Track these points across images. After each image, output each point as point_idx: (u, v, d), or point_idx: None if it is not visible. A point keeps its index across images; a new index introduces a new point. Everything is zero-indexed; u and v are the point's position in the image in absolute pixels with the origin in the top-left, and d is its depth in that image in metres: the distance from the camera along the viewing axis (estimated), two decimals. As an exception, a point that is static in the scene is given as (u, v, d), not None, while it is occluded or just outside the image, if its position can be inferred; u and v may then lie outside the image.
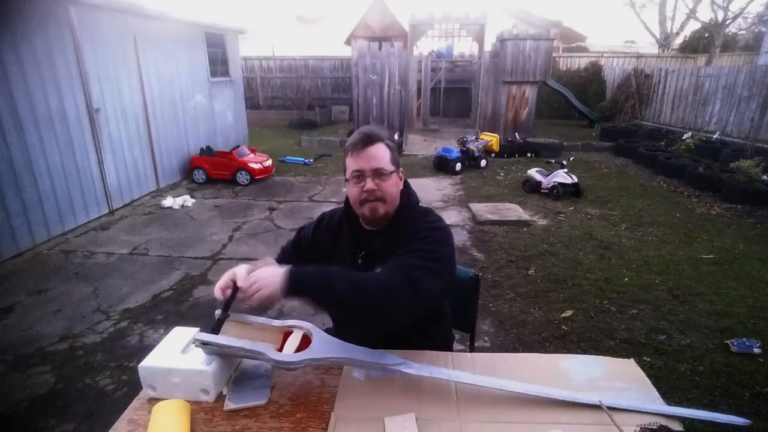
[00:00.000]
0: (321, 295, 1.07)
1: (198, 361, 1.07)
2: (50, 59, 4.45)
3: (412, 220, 1.28)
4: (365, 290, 1.07)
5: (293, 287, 1.04)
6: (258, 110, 13.36)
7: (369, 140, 1.23)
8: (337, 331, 1.49)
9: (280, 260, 1.38)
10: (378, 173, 1.21)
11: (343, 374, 1.18)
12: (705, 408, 2.22)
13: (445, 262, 1.21)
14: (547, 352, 2.68)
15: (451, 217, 5.25)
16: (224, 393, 1.11)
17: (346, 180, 1.27)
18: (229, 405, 1.07)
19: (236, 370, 1.18)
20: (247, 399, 1.09)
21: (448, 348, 1.51)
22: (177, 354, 1.12)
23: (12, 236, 4.11)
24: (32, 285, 3.61)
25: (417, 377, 1.12)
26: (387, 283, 1.08)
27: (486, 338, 2.88)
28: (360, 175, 1.22)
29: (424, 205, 1.38)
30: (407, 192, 1.32)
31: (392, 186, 1.24)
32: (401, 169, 1.30)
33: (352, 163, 1.23)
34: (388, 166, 1.23)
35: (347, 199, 1.33)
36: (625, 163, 8.21)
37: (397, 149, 1.31)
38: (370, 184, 1.20)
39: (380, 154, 1.23)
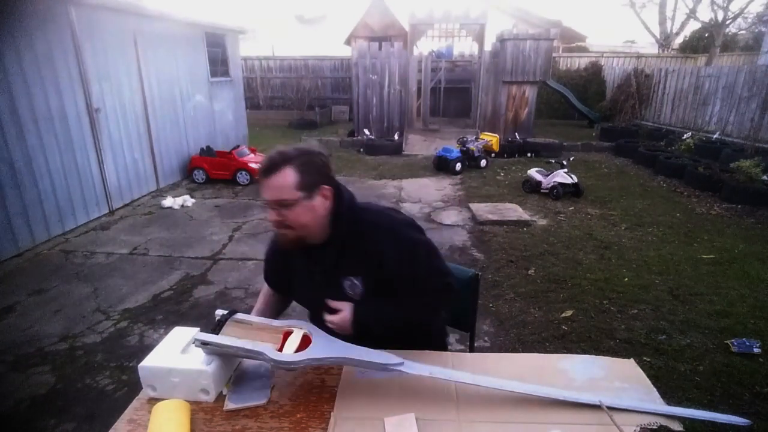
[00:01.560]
0: (381, 332, 1.27)
1: (198, 361, 1.08)
2: (50, 59, 4.45)
3: (354, 224, 1.23)
4: (414, 318, 1.34)
5: (358, 331, 1.23)
6: (258, 110, 13.36)
7: (270, 169, 1.13)
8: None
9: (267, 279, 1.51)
10: (281, 204, 1.14)
11: (343, 374, 1.18)
12: (705, 408, 2.22)
13: (446, 269, 1.33)
14: (547, 352, 2.68)
15: (450, 216, 5.25)
16: (224, 393, 1.11)
17: None
18: (229, 405, 1.07)
19: (236, 370, 1.18)
20: (247, 399, 1.09)
21: (443, 342, 1.52)
22: (177, 354, 1.12)
23: (12, 236, 4.11)
24: (32, 285, 3.61)
25: (417, 377, 1.12)
26: (428, 311, 1.36)
27: (486, 338, 2.88)
28: (267, 205, 1.19)
29: (362, 202, 1.32)
30: (339, 198, 1.23)
31: (300, 214, 1.15)
32: (324, 187, 1.18)
33: (261, 191, 1.19)
34: (292, 195, 1.13)
35: None
36: (625, 163, 8.21)
37: (322, 166, 1.20)
38: (272, 215, 1.17)
39: (283, 182, 1.13)
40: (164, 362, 1.09)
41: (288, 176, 1.12)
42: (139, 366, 1.08)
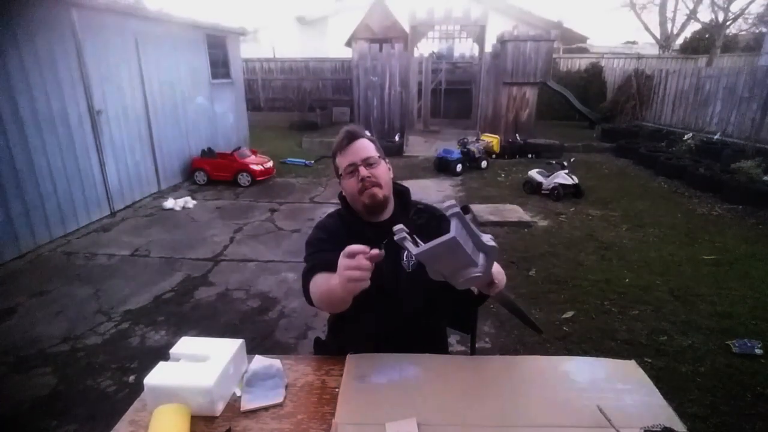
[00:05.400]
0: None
1: (203, 377, 1.07)
2: (52, 61, 4.47)
3: (414, 203, 1.42)
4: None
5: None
6: (259, 112, 13.39)
7: (353, 136, 1.33)
8: (331, 337, 1.49)
9: (313, 272, 1.26)
10: (368, 162, 1.30)
11: (343, 378, 1.18)
12: (707, 410, 2.22)
13: None
14: (548, 353, 2.68)
15: (451, 218, 5.25)
16: (238, 394, 1.12)
17: (340, 177, 1.35)
18: (246, 405, 1.07)
19: (247, 371, 1.18)
20: (264, 398, 1.09)
21: (444, 344, 1.52)
22: (183, 369, 1.11)
23: (14, 238, 4.12)
24: (34, 286, 3.61)
25: (418, 381, 1.12)
26: None
27: (487, 339, 2.88)
28: (353, 168, 1.30)
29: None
30: (399, 185, 1.44)
31: (383, 171, 1.33)
32: (387, 160, 1.39)
33: (343, 161, 1.33)
34: (375, 154, 1.33)
35: (344, 201, 1.39)
36: (625, 164, 8.21)
37: (379, 143, 1.41)
38: (364, 171, 1.28)
39: (366, 145, 1.33)
40: (169, 380, 1.08)
41: (366, 142, 1.34)
42: (145, 383, 1.07)
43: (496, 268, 1.11)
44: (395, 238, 0.96)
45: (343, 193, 1.38)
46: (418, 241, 0.98)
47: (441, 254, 0.91)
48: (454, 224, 0.90)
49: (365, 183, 1.27)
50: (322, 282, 1.19)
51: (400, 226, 0.97)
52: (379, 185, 1.29)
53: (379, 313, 1.29)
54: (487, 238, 0.96)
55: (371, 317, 1.31)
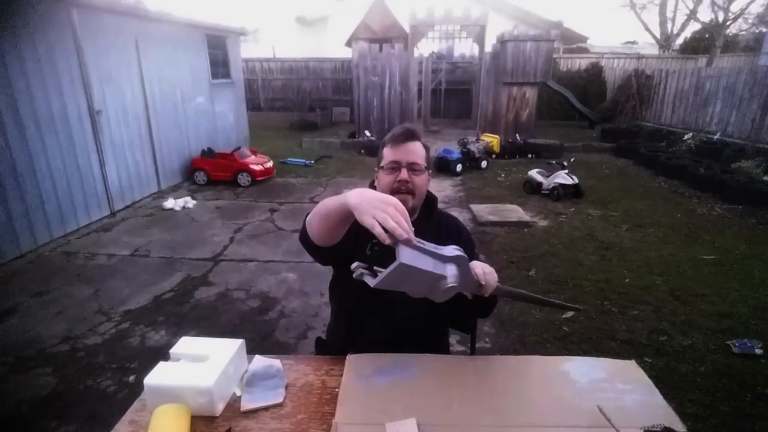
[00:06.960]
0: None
1: (204, 377, 1.07)
2: (52, 61, 4.47)
3: (438, 215, 1.42)
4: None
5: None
6: (259, 112, 13.39)
7: (410, 135, 1.30)
8: (344, 333, 1.49)
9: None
10: (413, 167, 1.27)
11: (344, 377, 1.18)
12: (707, 410, 2.22)
13: None
14: (548, 353, 2.68)
15: (451, 218, 5.26)
16: (238, 394, 1.12)
17: (379, 168, 1.32)
18: (246, 405, 1.07)
19: (247, 371, 1.18)
20: (264, 398, 1.09)
21: (445, 345, 1.53)
22: (183, 369, 1.11)
23: (14, 238, 4.11)
24: (34, 286, 3.61)
25: (418, 381, 1.12)
26: None
27: (487, 339, 2.88)
28: (396, 166, 1.27)
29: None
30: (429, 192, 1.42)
31: (423, 182, 1.30)
32: (430, 171, 1.35)
33: (390, 154, 1.29)
34: (423, 163, 1.30)
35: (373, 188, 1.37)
36: (625, 164, 8.21)
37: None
38: (404, 174, 1.25)
39: (418, 150, 1.30)
40: (169, 380, 1.08)
41: (420, 147, 1.31)
42: (145, 383, 1.07)
43: (482, 269, 1.08)
44: (354, 276, 0.98)
45: (375, 184, 1.35)
46: (378, 271, 0.97)
47: (400, 280, 0.89)
48: (398, 250, 0.86)
49: (401, 186, 1.25)
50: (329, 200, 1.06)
51: (357, 263, 0.99)
52: (412, 193, 1.27)
53: (380, 318, 1.29)
54: (450, 249, 0.95)
55: (372, 322, 1.31)
